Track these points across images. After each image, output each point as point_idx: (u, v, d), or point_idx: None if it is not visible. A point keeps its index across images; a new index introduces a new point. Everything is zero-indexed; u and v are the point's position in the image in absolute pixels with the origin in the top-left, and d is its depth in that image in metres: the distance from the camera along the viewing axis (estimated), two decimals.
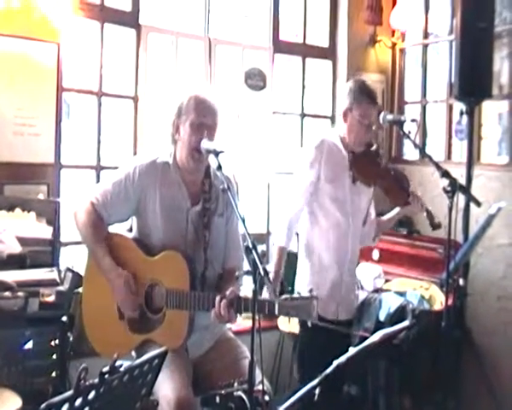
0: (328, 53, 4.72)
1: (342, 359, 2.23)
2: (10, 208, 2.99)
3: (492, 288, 4.01)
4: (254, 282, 1.90)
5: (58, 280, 2.81)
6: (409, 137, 2.91)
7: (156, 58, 3.88)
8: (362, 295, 3.62)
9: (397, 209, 3.08)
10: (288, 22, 4.58)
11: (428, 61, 4.66)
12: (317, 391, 2.21)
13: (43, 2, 3.22)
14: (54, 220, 3.09)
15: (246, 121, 4.24)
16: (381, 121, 2.84)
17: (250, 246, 1.92)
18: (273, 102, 4.36)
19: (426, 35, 4.65)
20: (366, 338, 2.43)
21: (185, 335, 2.32)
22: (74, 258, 3.24)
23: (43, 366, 2.63)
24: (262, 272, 1.88)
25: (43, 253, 2.98)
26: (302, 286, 2.99)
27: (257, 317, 1.90)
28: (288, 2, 4.53)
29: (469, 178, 3.68)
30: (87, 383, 1.35)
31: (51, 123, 3.36)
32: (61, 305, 2.70)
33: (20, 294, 2.62)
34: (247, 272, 2.03)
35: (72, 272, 2.76)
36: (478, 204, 2.64)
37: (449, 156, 4.51)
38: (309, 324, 2.10)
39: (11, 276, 2.69)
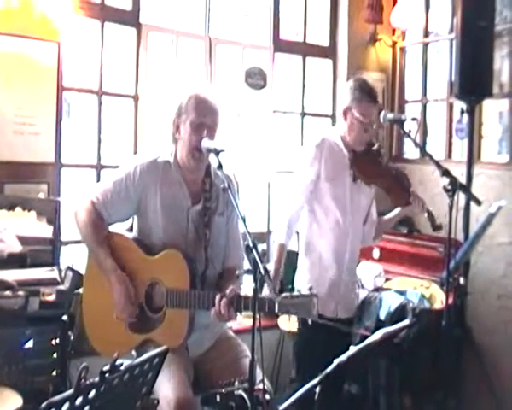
0: (329, 52, 4.72)
1: (343, 357, 2.23)
2: (11, 207, 2.99)
3: (493, 286, 4.01)
4: (255, 281, 1.90)
5: (58, 279, 2.81)
6: (409, 136, 2.91)
7: (156, 57, 3.88)
8: (362, 294, 3.62)
9: (398, 209, 3.08)
10: (288, 21, 4.58)
11: (429, 59, 4.66)
12: (318, 390, 2.22)
13: (44, 2, 3.22)
14: (54, 219, 3.09)
15: (246, 120, 4.24)
16: (381, 120, 2.83)
17: (250, 245, 1.92)
18: (273, 100, 4.36)
19: (426, 34, 4.65)
20: (367, 337, 2.44)
21: (185, 334, 2.32)
22: (75, 257, 3.24)
23: (44, 365, 2.64)
24: (262, 271, 1.88)
25: (44, 252, 2.98)
26: (301, 284, 2.99)
27: (257, 316, 1.90)
28: (288, 1, 4.53)
29: (470, 177, 3.69)
30: (87, 382, 1.35)
31: (51, 122, 3.36)
32: (62, 304, 2.70)
33: (21, 293, 2.62)
34: (248, 271, 2.03)
35: (73, 271, 2.76)
36: (478, 203, 2.64)
37: (449, 155, 4.51)
38: (309, 322, 2.10)
39: (11, 275, 2.69)
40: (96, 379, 1.38)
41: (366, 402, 3.57)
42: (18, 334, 2.59)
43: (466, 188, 2.82)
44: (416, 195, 2.97)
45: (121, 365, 1.45)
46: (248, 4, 5.30)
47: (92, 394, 1.37)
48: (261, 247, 4.16)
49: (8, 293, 2.60)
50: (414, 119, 2.94)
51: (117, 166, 2.54)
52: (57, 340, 2.67)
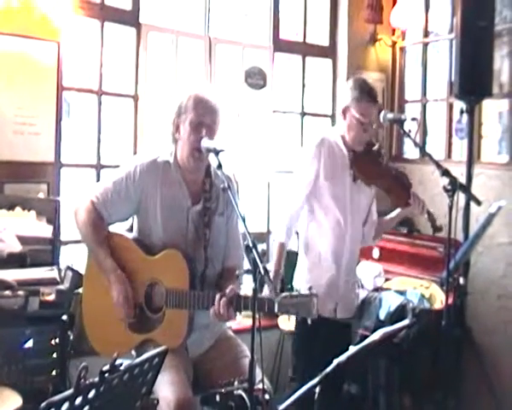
0: (329, 52, 4.72)
1: (342, 357, 2.23)
2: (10, 207, 2.99)
3: (493, 287, 4.01)
4: (254, 281, 1.90)
5: (58, 279, 2.81)
6: (409, 136, 2.91)
7: (156, 57, 3.88)
8: (362, 294, 3.61)
9: (398, 210, 3.07)
10: (288, 21, 4.58)
11: (429, 59, 4.66)
12: (318, 390, 2.22)
13: (43, 1, 3.22)
14: (54, 219, 3.09)
15: (246, 120, 4.24)
16: (381, 120, 2.83)
17: (250, 245, 1.92)
18: (273, 100, 4.36)
19: (426, 34, 4.65)
20: (366, 337, 2.44)
21: (185, 334, 2.32)
22: (74, 257, 3.24)
23: (44, 364, 2.64)
24: (262, 271, 1.88)
25: (44, 252, 2.99)
26: (300, 283, 3.00)
27: (257, 316, 1.90)
28: (288, 1, 4.53)
29: (469, 177, 3.69)
30: (87, 382, 1.35)
31: (51, 122, 3.36)
32: (62, 304, 2.70)
33: (21, 293, 2.62)
34: (248, 271, 2.04)
35: (73, 270, 2.76)
36: (478, 203, 2.64)
37: (449, 155, 4.51)
38: (309, 321, 2.10)
39: (11, 275, 2.69)
40: (96, 379, 1.38)
41: (366, 402, 3.57)
42: (18, 334, 2.58)
43: (466, 188, 2.82)
44: (416, 196, 2.96)
45: (121, 365, 1.45)
46: (248, 4, 5.30)
47: (92, 394, 1.37)
48: (261, 247, 4.16)
49: (7, 293, 2.60)
50: (414, 119, 2.94)
51: (117, 166, 2.54)
52: (57, 340, 2.67)
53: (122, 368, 1.45)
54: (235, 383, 2.16)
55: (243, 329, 3.32)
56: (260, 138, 4.30)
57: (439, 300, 3.64)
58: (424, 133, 4.74)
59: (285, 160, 4.48)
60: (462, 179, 3.36)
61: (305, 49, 4.61)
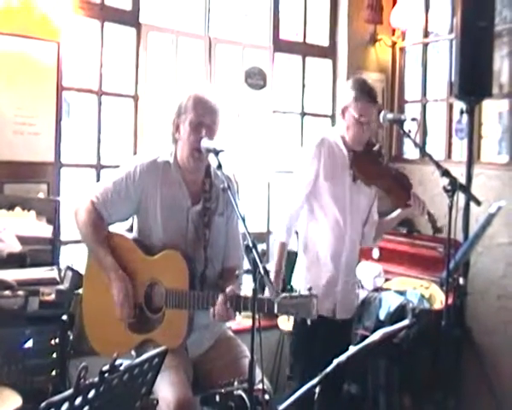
0: (329, 52, 4.72)
1: (342, 357, 2.23)
2: (10, 207, 2.99)
3: (492, 287, 4.01)
4: (254, 281, 1.90)
5: (58, 279, 2.81)
6: (409, 136, 2.91)
7: (156, 57, 3.88)
8: (362, 294, 3.62)
9: (398, 211, 3.06)
10: (288, 21, 4.59)
11: (428, 59, 4.66)
12: (317, 390, 2.22)
13: (43, 1, 3.22)
14: (54, 219, 3.09)
15: (246, 120, 4.24)
16: (381, 120, 2.83)
17: (250, 245, 1.92)
18: (273, 101, 4.36)
19: (426, 34, 4.65)
20: (366, 337, 2.44)
21: (185, 334, 2.32)
22: (74, 257, 3.24)
23: (43, 364, 2.64)
24: (262, 271, 1.88)
25: (43, 252, 2.98)
26: (298, 282, 3.00)
27: (257, 316, 1.90)
28: (288, 1, 4.53)
29: (469, 177, 3.69)
30: (87, 382, 1.35)
31: (51, 122, 3.36)
32: (61, 304, 2.70)
33: (20, 293, 2.62)
34: (247, 271, 2.04)
35: (73, 270, 2.76)
36: (478, 203, 2.64)
37: (449, 155, 4.51)
38: (308, 322, 2.10)
39: (11, 275, 2.69)
40: (96, 379, 1.38)
41: (366, 402, 3.58)
42: (17, 334, 2.58)
43: (466, 188, 2.82)
44: (416, 196, 2.93)
45: (121, 365, 1.45)
46: (248, 4, 5.30)
47: (91, 394, 1.37)
48: (261, 247, 4.16)
49: (7, 293, 2.60)
50: (414, 119, 2.94)
51: (117, 166, 2.54)
52: (57, 340, 2.67)
53: (122, 368, 1.45)
54: (235, 383, 2.16)
55: (243, 329, 3.32)
56: (260, 138, 4.30)
57: (439, 300, 3.64)
58: (424, 133, 4.75)
59: (285, 160, 4.48)
60: (462, 180, 3.36)
61: (305, 50, 4.61)
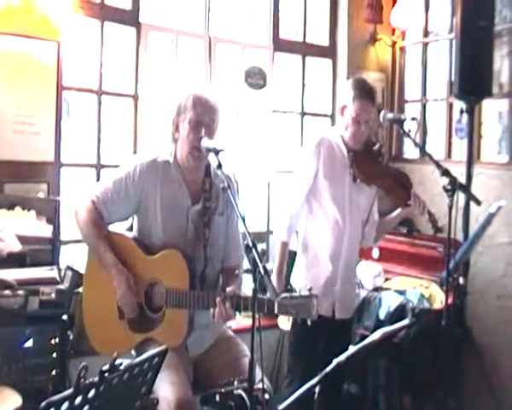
0: (329, 51, 4.72)
1: (342, 357, 2.23)
2: (10, 207, 2.99)
3: (492, 286, 4.01)
4: (254, 280, 1.90)
5: (58, 279, 2.81)
6: (409, 136, 2.91)
7: (156, 56, 3.87)
8: (362, 294, 3.62)
9: (398, 210, 3.06)
10: (288, 21, 4.58)
11: (428, 59, 4.66)
12: (317, 390, 2.22)
13: (44, 1, 3.22)
14: (54, 219, 3.09)
15: (246, 120, 4.24)
16: (381, 120, 2.83)
17: (250, 245, 1.92)
18: (273, 100, 4.36)
19: (426, 33, 4.65)
20: (366, 337, 2.44)
21: (185, 333, 2.32)
22: (74, 256, 3.24)
23: (44, 364, 2.64)
24: (262, 271, 1.88)
25: (43, 251, 2.98)
26: (297, 281, 3.00)
27: (257, 315, 1.90)
28: (288, 1, 4.53)
29: (469, 177, 3.69)
30: (87, 382, 1.35)
31: (51, 121, 3.36)
32: (61, 303, 2.70)
33: (21, 292, 2.62)
34: (247, 271, 2.03)
35: (72, 270, 2.76)
36: (478, 203, 2.64)
37: (449, 155, 4.51)
38: (308, 322, 2.10)
39: (11, 274, 2.69)
40: (96, 379, 1.38)
41: (366, 402, 3.58)
42: (17, 333, 2.59)
43: (466, 188, 2.82)
44: (416, 196, 2.93)
45: (121, 364, 1.45)
46: (248, 4, 5.29)
47: (91, 393, 1.37)
48: (261, 246, 4.16)
49: (7, 292, 2.60)
50: (413, 118, 2.94)
51: (117, 166, 2.54)
52: (57, 339, 2.67)
53: (122, 368, 1.45)
54: (235, 382, 2.16)
55: (243, 329, 3.32)
56: (260, 138, 4.30)
57: (439, 300, 3.64)
58: (424, 133, 4.75)
59: (285, 160, 4.48)
60: (462, 179, 3.36)
61: (305, 49, 4.61)
